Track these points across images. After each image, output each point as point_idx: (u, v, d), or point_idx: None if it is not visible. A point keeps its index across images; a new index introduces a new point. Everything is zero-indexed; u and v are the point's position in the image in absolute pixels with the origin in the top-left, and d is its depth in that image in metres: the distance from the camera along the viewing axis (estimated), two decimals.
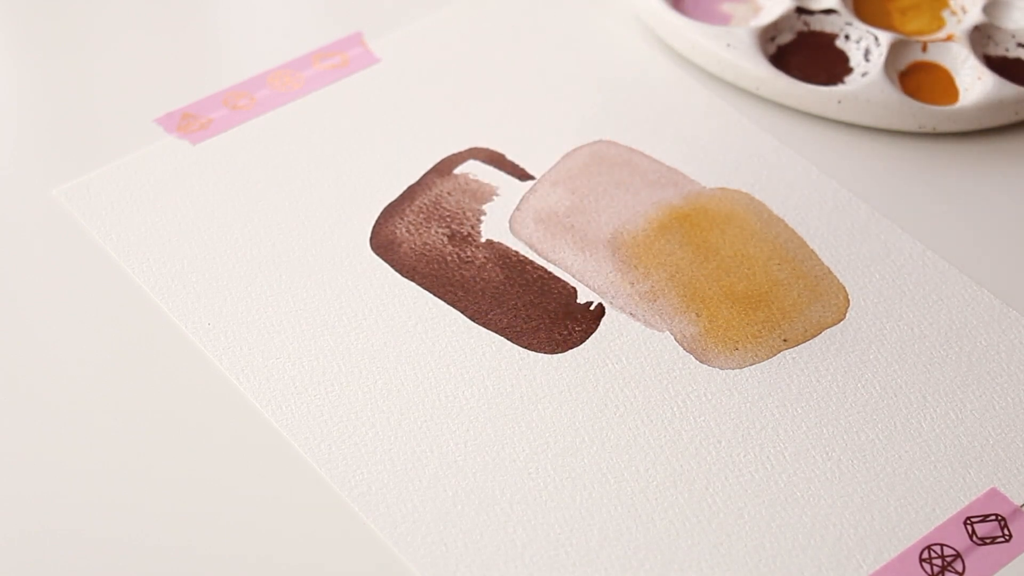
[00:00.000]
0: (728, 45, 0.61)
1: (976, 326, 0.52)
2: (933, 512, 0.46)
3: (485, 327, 0.51)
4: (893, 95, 0.59)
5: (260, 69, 0.61)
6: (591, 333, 0.51)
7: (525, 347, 0.50)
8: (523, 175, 0.57)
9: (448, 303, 0.51)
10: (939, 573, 0.45)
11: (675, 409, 0.49)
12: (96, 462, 0.46)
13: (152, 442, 0.47)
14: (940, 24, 0.64)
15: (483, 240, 0.54)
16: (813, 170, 0.58)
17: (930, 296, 0.53)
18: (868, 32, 0.62)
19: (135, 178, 0.56)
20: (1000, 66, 0.61)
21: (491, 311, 0.51)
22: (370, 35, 0.63)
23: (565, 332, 0.51)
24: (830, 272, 0.54)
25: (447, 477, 0.46)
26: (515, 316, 0.51)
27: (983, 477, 0.47)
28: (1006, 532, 0.46)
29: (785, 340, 0.51)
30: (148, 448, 0.47)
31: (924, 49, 0.61)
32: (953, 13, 0.64)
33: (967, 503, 0.47)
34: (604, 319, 0.51)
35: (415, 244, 0.54)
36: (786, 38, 0.63)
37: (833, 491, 0.47)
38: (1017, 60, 0.62)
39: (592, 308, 0.52)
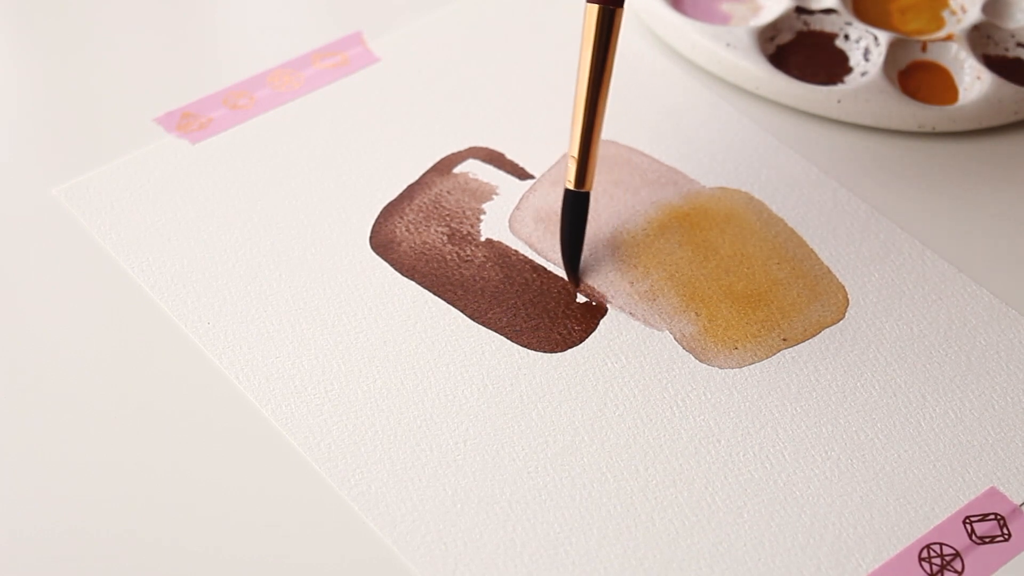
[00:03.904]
0: (728, 45, 0.61)
1: (975, 325, 0.52)
2: (932, 511, 0.46)
3: (485, 326, 0.51)
4: (893, 95, 0.59)
5: (260, 69, 0.61)
6: (590, 332, 0.51)
7: (524, 346, 0.50)
8: (523, 174, 0.57)
9: (448, 302, 0.52)
10: (938, 572, 0.45)
11: (674, 408, 0.49)
12: (95, 461, 0.46)
13: (152, 441, 0.47)
14: (940, 24, 0.64)
15: (483, 239, 0.54)
16: (813, 170, 0.58)
17: (929, 295, 0.53)
18: (868, 32, 0.62)
19: (135, 177, 0.56)
20: (1000, 66, 0.61)
21: (490, 310, 0.51)
22: (370, 35, 0.63)
23: (564, 331, 0.51)
24: (829, 271, 0.54)
25: (446, 476, 0.46)
26: (515, 315, 0.51)
27: (982, 476, 0.47)
28: (1005, 531, 0.46)
29: (784, 339, 0.51)
30: (147, 447, 0.47)
31: (924, 49, 0.61)
32: (953, 13, 0.64)
33: (966, 502, 0.47)
34: (603, 318, 0.51)
35: (415, 243, 0.54)
36: (786, 38, 0.63)
37: (832, 490, 0.47)
38: (1017, 60, 0.62)
39: (591, 307, 0.52)
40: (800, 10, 0.63)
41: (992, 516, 0.46)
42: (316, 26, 0.64)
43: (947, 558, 0.45)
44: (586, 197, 0.52)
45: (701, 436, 0.48)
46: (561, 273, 0.53)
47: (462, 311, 0.51)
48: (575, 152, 0.51)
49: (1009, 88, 0.59)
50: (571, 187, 0.52)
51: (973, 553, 0.45)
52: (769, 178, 0.57)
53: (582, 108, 0.50)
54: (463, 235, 0.54)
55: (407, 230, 0.54)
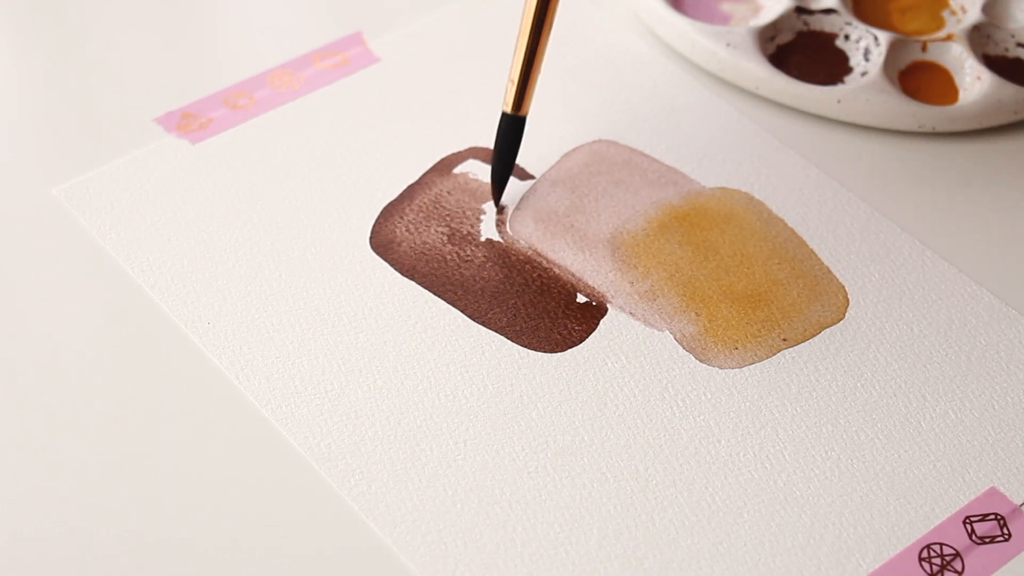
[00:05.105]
0: (728, 45, 0.61)
1: (975, 325, 0.52)
2: (932, 511, 0.46)
3: (485, 326, 0.51)
4: (893, 95, 0.59)
5: (260, 68, 0.61)
6: (590, 332, 0.51)
7: (525, 346, 0.50)
8: (523, 174, 0.57)
9: (448, 302, 0.52)
10: (938, 572, 0.45)
11: (675, 408, 0.49)
12: (96, 462, 0.46)
13: (152, 441, 0.47)
14: (940, 24, 0.64)
15: (483, 239, 0.54)
16: (813, 170, 0.58)
17: (929, 295, 0.53)
18: (868, 32, 0.62)
19: (135, 177, 0.56)
20: (1000, 66, 0.61)
21: (491, 310, 0.51)
22: (370, 35, 0.63)
23: (564, 331, 0.51)
24: (830, 271, 0.54)
25: (446, 476, 0.46)
26: (515, 315, 0.51)
27: (982, 476, 0.47)
28: (1005, 531, 0.46)
29: (785, 339, 0.51)
30: (148, 447, 0.47)
31: (924, 49, 0.61)
32: (953, 13, 0.64)
33: (966, 502, 0.47)
34: (604, 318, 0.51)
35: (415, 243, 0.54)
36: (786, 38, 0.63)
37: (832, 490, 0.47)
38: (1017, 60, 0.62)
39: (591, 307, 0.52)
40: (800, 10, 0.63)
41: (992, 516, 0.46)
42: (316, 26, 0.64)
43: (947, 558, 0.45)
44: (522, 122, 0.53)
45: (701, 436, 0.48)
46: (561, 273, 0.53)
47: (462, 311, 0.51)
48: (515, 76, 0.53)
49: (1009, 88, 0.59)
50: (508, 111, 0.53)
51: (973, 553, 0.45)
52: (769, 178, 0.57)
53: (527, 34, 0.52)
54: (463, 235, 0.54)
55: (407, 230, 0.54)
